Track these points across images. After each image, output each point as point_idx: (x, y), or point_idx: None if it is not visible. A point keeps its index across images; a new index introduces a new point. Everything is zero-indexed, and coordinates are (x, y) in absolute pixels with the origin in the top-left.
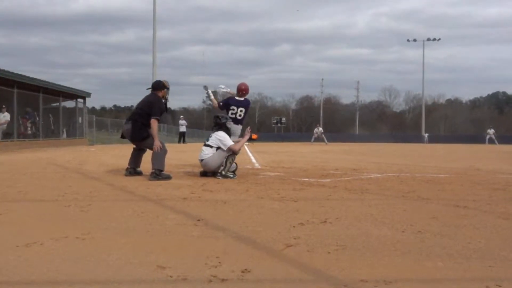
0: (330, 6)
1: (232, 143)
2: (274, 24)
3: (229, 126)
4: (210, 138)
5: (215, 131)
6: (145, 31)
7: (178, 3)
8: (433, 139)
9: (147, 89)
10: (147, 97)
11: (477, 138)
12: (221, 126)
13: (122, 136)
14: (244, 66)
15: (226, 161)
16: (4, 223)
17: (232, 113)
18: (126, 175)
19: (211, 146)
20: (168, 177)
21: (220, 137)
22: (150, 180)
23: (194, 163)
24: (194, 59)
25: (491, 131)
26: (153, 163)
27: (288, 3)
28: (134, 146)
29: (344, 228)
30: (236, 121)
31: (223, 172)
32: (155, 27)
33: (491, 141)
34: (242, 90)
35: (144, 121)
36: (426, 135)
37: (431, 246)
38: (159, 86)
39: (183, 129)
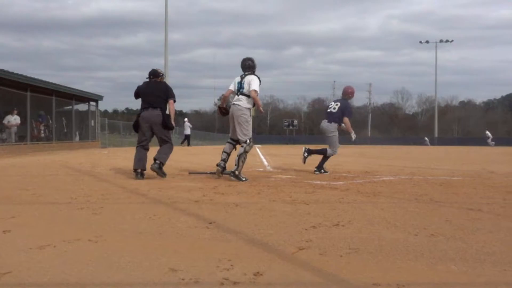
0: (341, 9)
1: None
2: (285, 26)
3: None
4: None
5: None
6: (157, 34)
7: (189, 7)
8: (444, 142)
9: (152, 78)
10: (157, 84)
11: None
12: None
13: (136, 126)
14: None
15: (238, 160)
16: (17, 225)
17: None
18: (138, 178)
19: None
20: (164, 175)
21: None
22: (152, 167)
23: (206, 165)
24: (205, 62)
25: (488, 133)
26: (161, 156)
27: (299, 5)
28: (140, 141)
29: (356, 231)
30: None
31: (236, 172)
32: (167, 30)
33: (489, 144)
34: (349, 93)
35: (165, 108)
36: (426, 138)
37: (444, 249)
38: (160, 74)
39: (187, 131)
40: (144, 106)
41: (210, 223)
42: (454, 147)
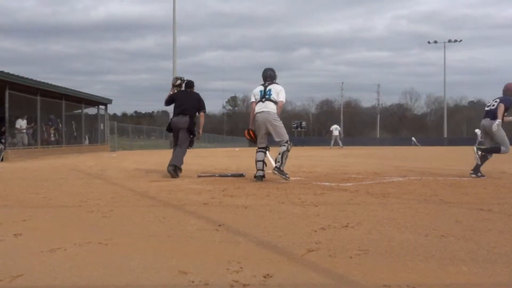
0: (348, 10)
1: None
2: (292, 28)
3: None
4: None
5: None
6: (165, 37)
7: (197, 9)
8: (452, 142)
9: (186, 88)
10: (191, 94)
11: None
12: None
13: (169, 129)
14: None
15: (282, 158)
16: (29, 228)
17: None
18: (170, 171)
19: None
20: (177, 176)
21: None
22: (168, 170)
23: (215, 168)
24: (213, 64)
25: (478, 132)
26: (177, 159)
27: (306, 7)
28: (175, 144)
29: (366, 232)
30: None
31: (281, 168)
32: (175, 34)
33: (480, 143)
34: (511, 89)
35: (194, 116)
36: (413, 138)
37: (454, 250)
38: (193, 84)
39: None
40: (176, 113)
41: (220, 225)
42: (464, 147)
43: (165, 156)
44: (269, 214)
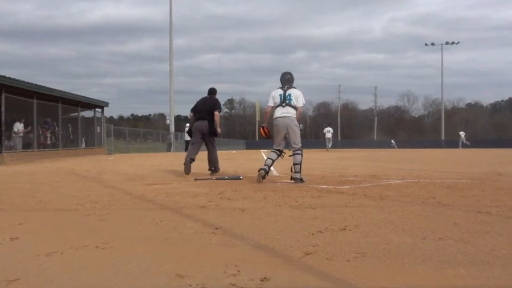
0: (345, 12)
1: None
2: (289, 31)
3: None
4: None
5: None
6: (161, 40)
7: (193, 12)
8: (450, 144)
9: (208, 95)
10: (209, 100)
11: (499, 142)
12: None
13: (190, 132)
14: (260, 73)
15: (300, 167)
16: (25, 232)
17: None
18: (186, 163)
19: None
20: (217, 172)
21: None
22: (211, 173)
23: (209, 172)
24: (210, 67)
25: (462, 134)
26: (213, 163)
27: (303, 9)
28: (193, 142)
29: (363, 235)
30: None
31: (300, 177)
32: (172, 36)
33: (464, 145)
34: None
35: (213, 119)
36: (393, 141)
37: (452, 253)
38: (216, 91)
39: (188, 137)
40: (197, 118)
41: (217, 228)
42: (461, 150)
43: (161, 159)
44: (266, 217)
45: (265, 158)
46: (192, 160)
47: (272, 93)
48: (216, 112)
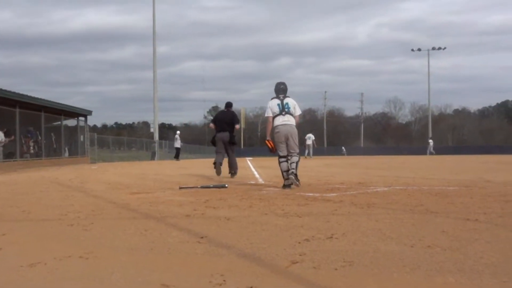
0: (330, 18)
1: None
2: (273, 37)
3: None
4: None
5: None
6: (144, 47)
7: (176, 19)
8: (439, 151)
9: (225, 108)
10: (227, 113)
11: (487, 148)
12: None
13: (213, 141)
14: (244, 80)
15: (296, 166)
16: (8, 243)
17: None
18: (217, 167)
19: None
20: (235, 175)
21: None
22: (232, 177)
23: (196, 179)
24: (193, 74)
25: (431, 142)
26: (233, 167)
27: (287, 16)
28: (218, 151)
29: (351, 243)
30: None
31: (295, 173)
32: (155, 44)
33: (431, 153)
34: None
35: (232, 130)
36: (343, 148)
37: (441, 261)
38: (232, 105)
39: (178, 145)
40: (218, 130)
41: (202, 237)
42: (449, 156)
43: (145, 167)
44: (252, 225)
45: (251, 166)
46: (221, 164)
47: (269, 103)
48: (236, 126)
